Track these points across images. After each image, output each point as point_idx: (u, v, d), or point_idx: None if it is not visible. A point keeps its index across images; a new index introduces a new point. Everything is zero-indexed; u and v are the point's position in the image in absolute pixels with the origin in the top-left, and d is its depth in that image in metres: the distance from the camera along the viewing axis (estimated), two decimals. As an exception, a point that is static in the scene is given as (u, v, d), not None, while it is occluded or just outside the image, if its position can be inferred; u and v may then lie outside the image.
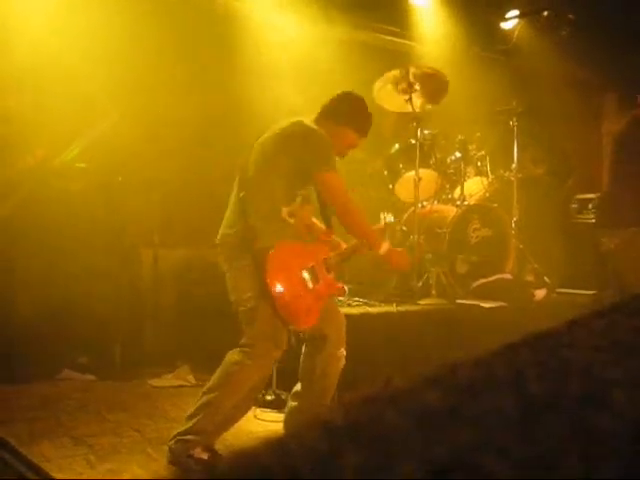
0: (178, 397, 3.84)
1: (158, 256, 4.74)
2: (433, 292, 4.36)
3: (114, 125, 4.30)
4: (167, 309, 4.73)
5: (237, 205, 2.88)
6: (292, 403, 3.03)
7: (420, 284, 4.31)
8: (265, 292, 2.71)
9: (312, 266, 2.85)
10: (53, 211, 4.13)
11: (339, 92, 3.10)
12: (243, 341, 2.82)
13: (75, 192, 4.26)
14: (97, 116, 4.31)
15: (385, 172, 4.87)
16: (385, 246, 2.96)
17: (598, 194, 5.43)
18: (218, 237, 2.92)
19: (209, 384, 2.82)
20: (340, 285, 3.01)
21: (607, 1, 5.74)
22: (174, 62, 4.77)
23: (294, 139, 2.85)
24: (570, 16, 6.13)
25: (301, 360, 3.00)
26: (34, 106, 4.19)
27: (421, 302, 4.15)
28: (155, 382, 4.13)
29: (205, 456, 2.79)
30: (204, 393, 2.80)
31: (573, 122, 6.49)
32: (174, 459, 2.75)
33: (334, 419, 0.45)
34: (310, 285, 2.81)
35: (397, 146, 4.83)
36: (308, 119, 2.98)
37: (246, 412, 2.98)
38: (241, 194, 2.87)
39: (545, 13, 6.18)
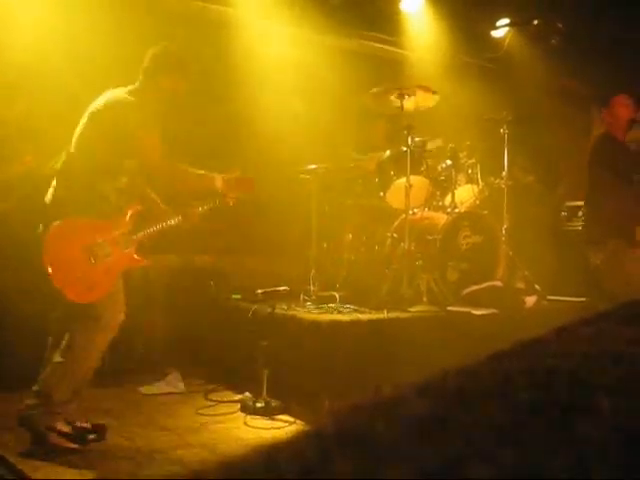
0: (168, 405, 3.82)
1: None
2: (424, 299, 4.36)
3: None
4: (158, 315, 4.71)
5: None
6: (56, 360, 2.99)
7: (411, 291, 4.31)
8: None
9: (100, 242, 2.93)
10: (44, 217, 4.09)
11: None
12: (87, 312, 2.90)
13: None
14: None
15: (376, 179, 4.88)
16: (219, 179, 3.22)
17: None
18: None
19: (59, 358, 2.90)
20: (140, 259, 3.09)
21: (596, 11, 5.79)
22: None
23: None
24: (560, 25, 6.18)
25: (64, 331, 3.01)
26: (25, 113, 4.17)
27: (412, 309, 4.15)
28: (145, 389, 4.11)
29: (68, 429, 2.90)
30: (56, 366, 2.89)
31: (562, 130, 6.54)
32: (30, 427, 2.84)
33: (324, 427, 0.45)
34: (93, 260, 2.90)
35: (388, 153, 4.84)
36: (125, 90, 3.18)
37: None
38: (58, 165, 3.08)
39: (535, 22, 6.23)
